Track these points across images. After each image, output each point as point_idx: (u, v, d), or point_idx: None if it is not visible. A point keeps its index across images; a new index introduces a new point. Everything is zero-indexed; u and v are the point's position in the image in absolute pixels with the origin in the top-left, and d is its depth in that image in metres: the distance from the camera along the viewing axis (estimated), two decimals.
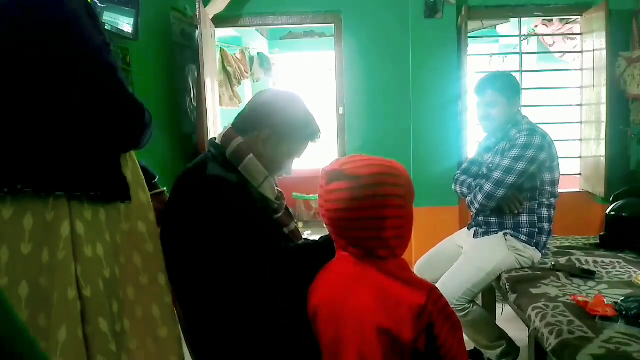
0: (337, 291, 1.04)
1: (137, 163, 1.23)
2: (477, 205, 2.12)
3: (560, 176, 2.17)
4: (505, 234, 2.13)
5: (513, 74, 2.28)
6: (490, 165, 2.16)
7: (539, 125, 2.16)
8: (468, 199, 2.20)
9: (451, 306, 2.03)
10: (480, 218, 2.22)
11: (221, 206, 1.19)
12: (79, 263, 1.02)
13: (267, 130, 1.28)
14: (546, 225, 2.12)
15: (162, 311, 1.19)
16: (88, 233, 1.04)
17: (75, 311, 1.00)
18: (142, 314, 1.16)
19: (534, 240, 2.10)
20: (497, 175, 2.05)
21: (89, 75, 1.02)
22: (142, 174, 1.22)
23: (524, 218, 2.12)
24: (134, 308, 1.15)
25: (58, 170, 1.00)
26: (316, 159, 4.80)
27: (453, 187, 2.33)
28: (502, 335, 2.12)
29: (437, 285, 2.09)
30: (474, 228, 2.27)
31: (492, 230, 2.17)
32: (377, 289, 0.98)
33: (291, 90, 1.38)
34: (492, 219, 2.18)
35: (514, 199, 2.09)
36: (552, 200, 2.14)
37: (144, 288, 1.17)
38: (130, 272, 1.15)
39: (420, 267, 2.36)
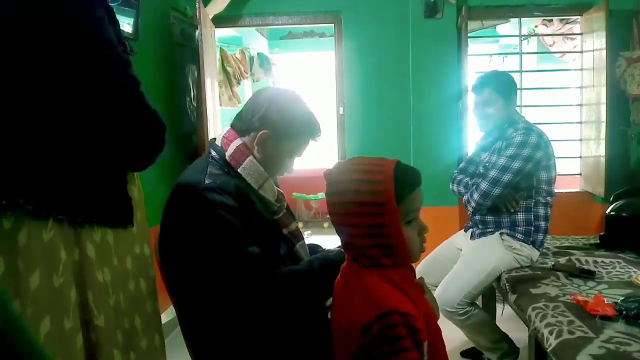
0: (338, 289, 1.05)
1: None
2: (473, 204, 2.12)
3: (559, 176, 2.18)
4: (501, 234, 2.13)
5: (513, 74, 2.29)
6: (487, 164, 2.17)
7: (537, 125, 2.17)
8: (465, 197, 2.20)
9: (452, 309, 2.05)
10: (477, 217, 2.23)
11: (216, 219, 1.17)
12: (90, 289, 0.95)
13: (266, 130, 1.26)
14: (542, 224, 2.12)
15: (161, 340, 1.16)
16: (98, 257, 0.97)
17: (73, 343, 0.91)
18: (147, 344, 1.10)
19: (531, 239, 2.11)
20: (493, 173, 2.06)
21: (109, 87, 0.95)
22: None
23: (520, 216, 2.12)
24: (140, 338, 1.08)
25: (64, 191, 0.92)
26: (316, 159, 4.81)
27: (450, 186, 2.33)
28: (502, 337, 2.12)
29: (437, 289, 2.10)
30: (471, 229, 2.28)
31: (488, 229, 2.18)
32: (352, 296, 0.97)
33: (290, 88, 1.36)
34: (489, 218, 2.18)
35: (510, 197, 2.10)
36: (549, 198, 2.14)
37: (149, 317, 1.11)
38: (138, 300, 1.08)
39: (421, 271, 2.36)
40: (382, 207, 0.92)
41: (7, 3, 0.88)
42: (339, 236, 1.01)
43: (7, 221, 0.86)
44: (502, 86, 2.13)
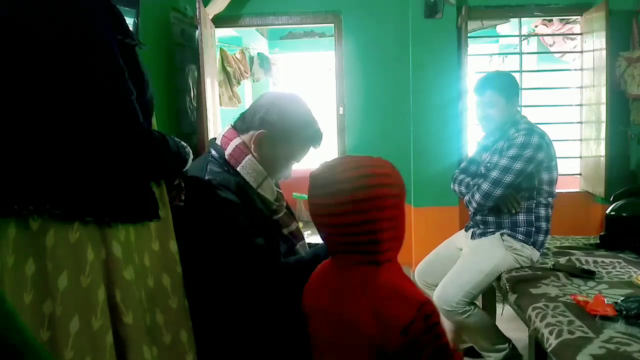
0: (334, 297, 1.00)
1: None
2: (474, 205, 2.12)
3: (560, 176, 2.17)
4: (502, 234, 2.13)
5: (513, 74, 2.29)
6: (488, 165, 2.16)
7: (538, 125, 2.17)
8: (466, 198, 2.20)
9: (451, 308, 2.05)
10: (477, 217, 2.22)
11: (215, 214, 1.18)
12: (117, 288, 0.95)
13: (264, 131, 1.27)
14: (543, 224, 2.12)
15: (189, 335, 1.14)
16: (124, 255, 0.98)
17: (103, 342, 0.91)
18: (171, 339, 1.09)
19: (532, 239, 2.10)
20: (494, 174, 2.05)
21: (102, 103, 0.94)
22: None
23: (521, 217, 2.12)
24: (163, 334, 1.07)
25: (90, 193, 0.93)
26: (316, 159, 4.81)
27: (452, 186, 2.33)
28: (504, 339, 2.11)
29: (437, 288, 2.11)
30: (472, 229, 2.28)
31: (489, 229, 2.18)
32: (370, 300, 0.93)
33: (293, 92, 1.36)
34: (490, 218, 2.18)
35: (511, 198, 2.10)
36: (550, 199, 2.14)
37: (172, 312, 1.10)
38: (159, 296, 1.08)
39: (421, 271, 2.36)
40: (399, 198, 0.96)
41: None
42: (339, 239, 0.96)
43: (34, 223, 0.87)
44: (504, 87, 2.12)
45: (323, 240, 1.02)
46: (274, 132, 1.27)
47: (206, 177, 1.22)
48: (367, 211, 0.92)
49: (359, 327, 0.93)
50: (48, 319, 0.87)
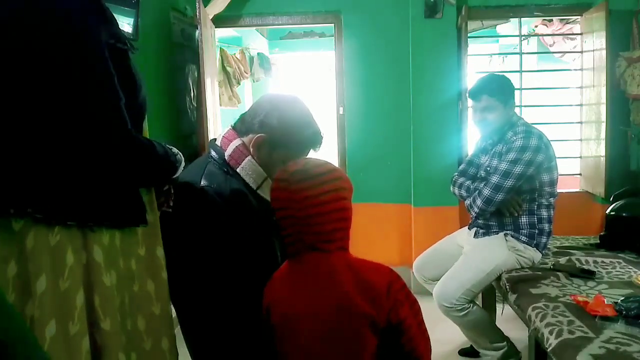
0: (318, 293, 1.06)
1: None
2: (476, 210, 2.11)
3: (560, 176, 2.17)
4: (505, 235, 2.13)
5: (513, 74, 2.28)
6: (488, 169, 2.15)
7: (537, 126, 2.16)
8: (467, 202, 2.19)
9: (450, 305, 2.05)
10: (480, 221, 2.22)
11: (211, 219, 1.18)
12: (96, 293, 0.94)
13: (263, 135, 1.26)
14: (546, 226, 2.12)
15: (170, 343, 1.13)
16: (106, 259, 0.96)
17: (78, 347, 0.90)
18: (151, 346, 1.09)
19: (535, 241, 2.10)
20: (495, 179, 2.04)
21: (89, 99, 0.92)
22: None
23: (523, 220, 2.11)
24: (143, 339, 1.07)
25: (73, 197, 0.92)
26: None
27: (451, 189, 2.32)
28: (502, 337, 2.11)
29: (437, 284, 2.11)
30: (475, 228, 2.27)
31: (492, 230, 2.17)
32: (353, 277, 1.04)
33: (293, 94, 1.34)
34: (492, 222, 2.17)
35: (513, 202, 2.09)
36: (551, 200, 2.13)
37: (155, 319, 1.09)
38: (143, 301, 1.07)
39: (419, 264, 2.35)
40: (349, 191, 1.11)
41: None
42: (319, 228, 1.05)
43: (16, 224, 0.86)
44: (500, 91, 2.10)
45: (288, 242, 1.11)
46: (273, 136, 1.26)
47: (203, 179, 1.22)
48: (334, 201, 1.06)
49: (356, 306, 1.02)
50: (30, 322, 0.86)
